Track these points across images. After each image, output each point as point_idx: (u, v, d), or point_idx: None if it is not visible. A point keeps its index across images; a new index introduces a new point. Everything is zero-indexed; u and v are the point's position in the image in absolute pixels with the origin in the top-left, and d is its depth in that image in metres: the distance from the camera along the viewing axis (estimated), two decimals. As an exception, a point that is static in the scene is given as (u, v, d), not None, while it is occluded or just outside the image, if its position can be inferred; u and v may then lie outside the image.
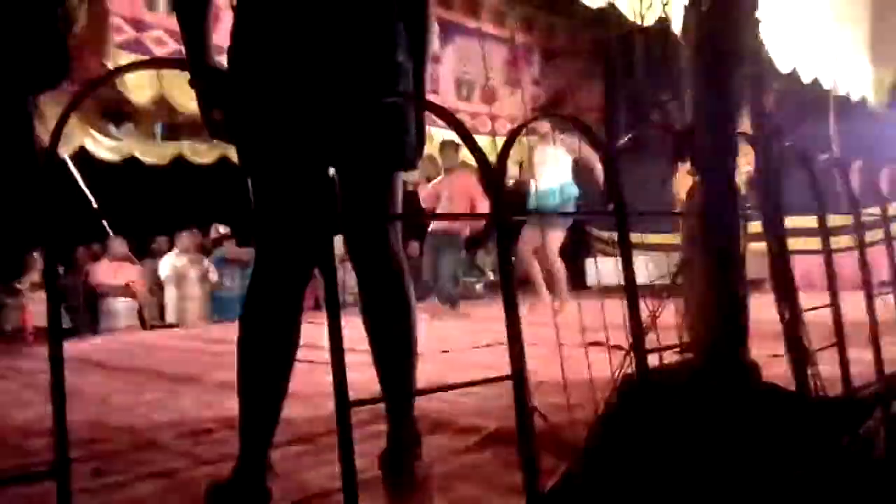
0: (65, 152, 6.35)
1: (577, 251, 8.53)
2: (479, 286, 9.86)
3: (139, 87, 5.36)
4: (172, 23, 5.49)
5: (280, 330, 1.45)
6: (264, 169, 1.45)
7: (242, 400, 1.44)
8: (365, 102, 1.40)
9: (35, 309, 6.22)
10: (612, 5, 3.51)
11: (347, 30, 1.42)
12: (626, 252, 1.05)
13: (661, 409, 1.07)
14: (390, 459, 1.49)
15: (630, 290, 1.03)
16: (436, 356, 3.45)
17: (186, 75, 1.43)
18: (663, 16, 1.69)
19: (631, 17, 2.97)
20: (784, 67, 4.28)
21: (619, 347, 1.16)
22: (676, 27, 1.55)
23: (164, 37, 5.47)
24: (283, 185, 1.43)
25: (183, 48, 1.46)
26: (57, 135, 0.69)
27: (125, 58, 5.19)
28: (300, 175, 1.43)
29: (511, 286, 0.93)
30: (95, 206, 6.43)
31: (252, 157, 1.46)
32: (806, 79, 4.72)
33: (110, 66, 5.07)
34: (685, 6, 1.53)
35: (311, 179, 1.43)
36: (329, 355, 0.80)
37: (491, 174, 1.03)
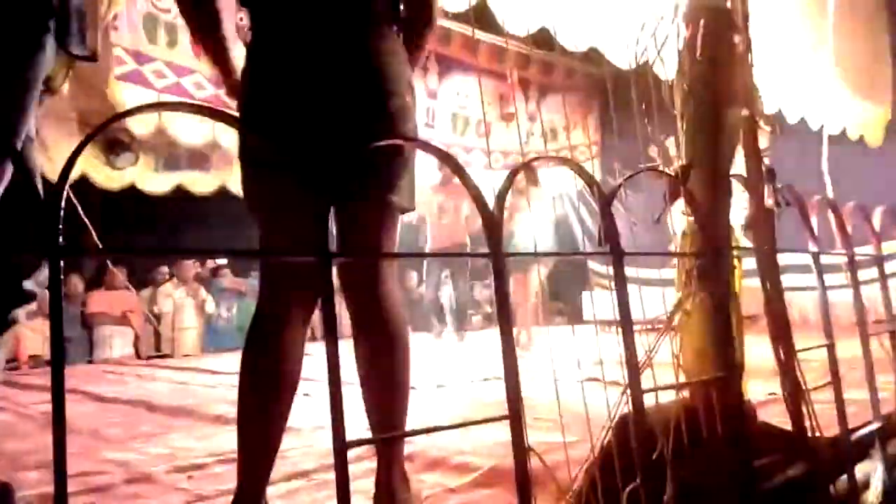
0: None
1: (574, 285, 8.56)
2: (475, 319, 9.84)
3: (140, 120, 5.43)
4: (172, 56, 5.61)
5: (281, 368, 1.46)
6: (269, 208, 1.47)
7: (241, 435, 1.44)
8: (365, 145, 1.43)
9: (30, 338, 6.20)
10: (594, 50, 3.56)
11: (354, 74, 1.46)
12: (621, 291, 1.07)
13: (657, 448, 1.08)
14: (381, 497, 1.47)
15: (626, 330, 1.04)
16: (431, 391, 3.44)
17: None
18: (657, 59, 1.73)
19: (615, 63, 3.02)
20: (770, 108, 4.34)
21: (615, 384, 1.17)
22: (671, 68, 1.58)
23: (164, 69, 5.55)
24: (288, 221, 1.44)
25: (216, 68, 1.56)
26: (67, 171, 0.70)
27: (125, 88, 5.27)
28: (302, 211, 1.45)
29: (508, 324, 0.94)
30: (95, 236, 6.42)
31: (258, 197, 1.49)
32: (792, 119, 4.79)
33: (109, 95, 5.14)
34: (679, 50, 1.56)
35: (312, 215, 1.45)
36: (328, 388, 0.81)
37: (488, 213, 1.04)
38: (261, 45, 1.51)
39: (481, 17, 3.63)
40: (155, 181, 7.42)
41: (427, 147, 1.10)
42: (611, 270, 1.14)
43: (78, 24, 1.42)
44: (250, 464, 1.43)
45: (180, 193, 7.26)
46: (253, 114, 1.47)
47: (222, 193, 7.04)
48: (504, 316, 0.90)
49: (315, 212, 1.32)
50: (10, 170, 1.29)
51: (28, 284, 1.45)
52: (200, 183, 7.48)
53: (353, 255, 1.57)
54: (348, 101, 1.45)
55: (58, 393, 0.64)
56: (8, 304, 1.45)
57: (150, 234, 8.22)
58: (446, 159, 1.10)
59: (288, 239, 1.45)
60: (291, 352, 1.47)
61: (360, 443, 0.78)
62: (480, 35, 6.15)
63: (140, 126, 5.69)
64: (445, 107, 7.74)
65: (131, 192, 7.09)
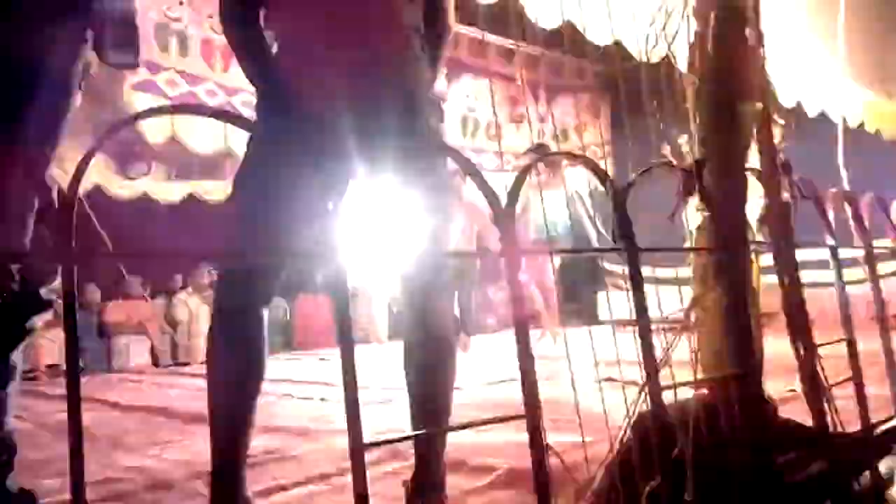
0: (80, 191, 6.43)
1: (588, 285, 8.53)
2: (490, 321, 9.82)
3: (154, 129, 5.48)
4: (184, 65, 5.65)
5: (246, 351, 1.46)
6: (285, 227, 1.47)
7: (211, 416, 1.45)
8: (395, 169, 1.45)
9: (47, 347, 6.25)
10: (618, 43, 3.54)
11: (386, 92, 1.46)
12: (637, 288, 1.06)
13: (677, 446, 1.07)
14: (415, 495, 1.47)
15: (643, 327, 1.03)
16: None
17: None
18: (668, 54, 1.72)
19: (636, 56, 3.00)
20: (788, 101, 4.31)
21: (633, 383, 1.16)
22: (682, 64, 1.57)
23: (177, 78, 5.59)
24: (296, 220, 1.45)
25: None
26: (78, 177, 0.71)
27: (139, 98, 5.32)
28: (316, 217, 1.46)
29: (524, 323, 0.93)
30: (110, 246, 6.46)
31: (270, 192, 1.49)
32: (812, 112, 4.75)
33: (123, 104, 5.19)
34: (690, 43, 1.55)
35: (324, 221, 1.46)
36: (343, 393, 0.80)
37: (501, 212, 1.04)
38: (288, 63, 1.51)
39: (498, 15, 3.64)
40: (168, 190, 7.47)
41: (444, 149, 1.10)
42: (626, 269, 1.13)
43: (123, 31, 1.43)
44: (221, 445, 1.43)
45: (192, 202, 7.30)
46: (276, 130, 1.46)
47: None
48: (519, 313, 0.89)
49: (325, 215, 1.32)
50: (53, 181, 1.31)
51: (44, 293, 1.46)
52: (213, 191, 7.52)
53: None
54: (379, 117, 1.44)
55: (73, 398, 0.65)
56: (25, 313, 1.47)
57: (162, 243, 8.27)
58: (459, 159, 1.10)
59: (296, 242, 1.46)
60: (254, 338, 1.48)
61: (376, 444, 0.78)
62: (489, 37, 6.16)
63: (154, 135, 5.73)
64: (455, 109, 7.74)
65: (144, 201, 7.15)
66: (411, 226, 1.47)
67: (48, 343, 6.13)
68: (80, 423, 0.66)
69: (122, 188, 7.19)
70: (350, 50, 1.45)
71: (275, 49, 1.54)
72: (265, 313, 1.50)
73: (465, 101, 7.79)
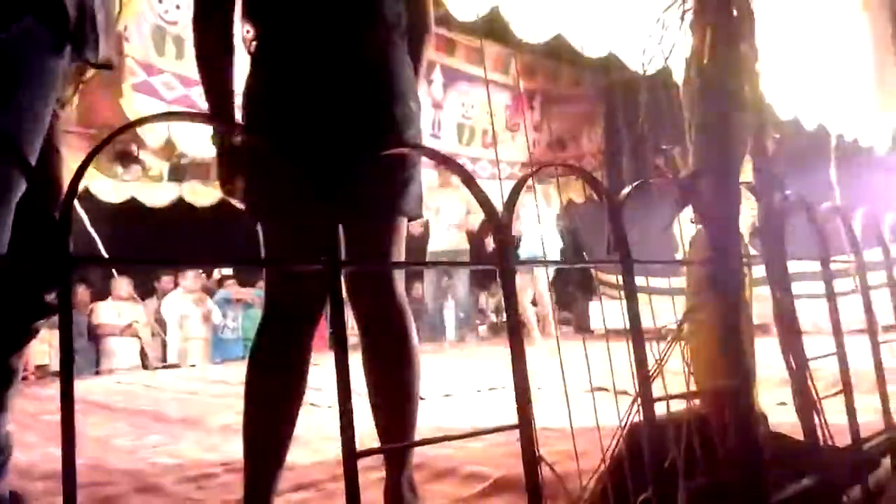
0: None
1: (581, 294, 8.55)
2: (481, 328, 9.83)
3: (151, 131, 5.48)
4: (180, 68, 5.64)
5: (287, 376, 1.46)
6: (275, 215, 1.47)
7: (247, 445, 1.44)
8: (373, 152, 1.43)
9: (36, 348, 6.20)
10: (612, 56, 3.57)
11: (360, 82, 1.46)
12: (632, 301, 1.06)
13: (669, 457, 1.07)
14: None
15: (636, 338, 1.03)
16: (438, 400, 3.43)
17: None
18: (664, 66, 1.73)
19: (632, 68, 3.02)
20: (785, 114, 4.33)
21: (624, 393, 1.16)
22: (678, 76, 1.58)
23: (173, 81, 5.58)
24: (293, 231, 1.44)
25: (205, 101, 1.50)
26: (77, 180, 0.71)
27: (137, 99, 5.31)
28: (311, 219, 1.46)
29: (518, 333, 0.93)
30: (102, 248, 6.43)
31: (263, 204, 1.49)
32: (809, 125, 4.77)
33: (123, 104, 5.19)
34: (686, 57, 1.56)
35: (320, 223, 1.46)
36: (336, 399, 0.80)
37: (497, 221, 1.04)
38: (268, 55, 1.51)
39: (491, 27, 3.66)
40: (158, 193, 7.44)
41: (435, 156, 1.10)
42: (620, 279, 1.13)
43: (92, 31, 1.39)
44: (256, 474, 1.43)
45: (184, 205, 7.28)
46: (261, 122, 1.47)
47: (227, 205, 7.05)
48: (513, 322, 0.90)
49: (324, 220, 1.32)
50: (21, 182, 1.28)
51: (49, 297, 1.45)
52: (203, 195, 7.49)
53: (362, 263, 1.57)
54: (358, 108, 1.45)
55: (67, 401, 0.64)
56: (30, 316, 1.46)
57: (153, 245, 8.25)
58: (454, 167, 1.10)
59: (295, 247, 1.45)
60: (297, 362, 1.48)
61: (369, 452, 0.78)
62: (486, 45, 6.17)
63: (150, 138, 5.73)
64: (451, 117, 7.76)
65: (133, 204, 7.11)
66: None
67: (36, 344, 6.09)
68: (72, 426, 0.65)
69: (114, 190, 7.17)
70: (330, 40, 1.46)
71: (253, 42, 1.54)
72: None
73: (460, 108, 7.80)
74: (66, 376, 0.67)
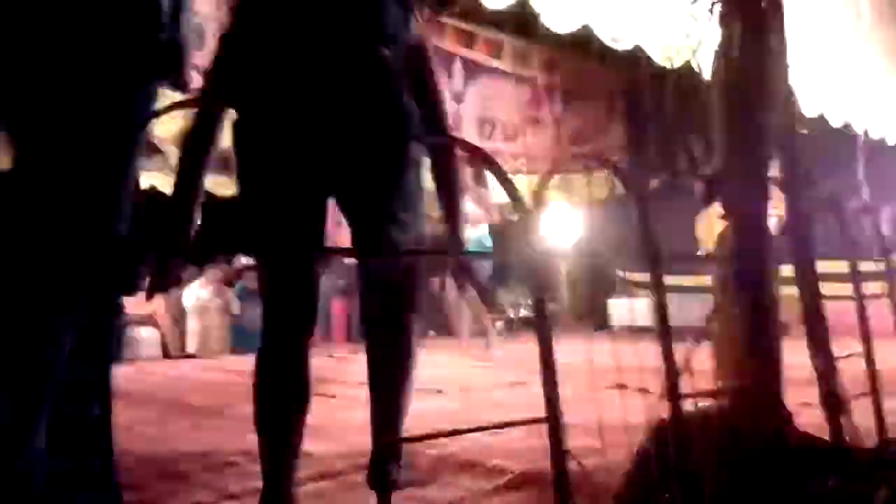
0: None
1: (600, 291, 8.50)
2: (498, 324, 9.79)
3: (166, 122, 5.51)
4: (198, 58, 5.65)
5: (290, 366, 1.48)
6: (268, 202, 1.49)
7: (260, 436, 1.47)
8: (372, 142, 1.46)
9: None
10: (639, 49, 3.54)
11: (354, 65, 1.47)
12: (659, 298, 1.06)
13: (695, 455, 1.06)
14: (373, 475, 1.48)
15: (664, 336, 1.03)
16: (457, 395, 3.43)
17: None
18: (691, 60, 1.71)
19: (659, 61, 2.99)
20: (811, 112, 4.28)
21: (645, 391, 1.16)
22: (705, 72, 1.57)
23: (192, 72, 5.61)
24: (287, 217, 1.49)
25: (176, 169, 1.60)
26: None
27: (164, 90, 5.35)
28: (302, 206, 1.50)
29: (546, 326, 0.93)
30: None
31: (255, 190, 1.50)
32: (836, 123, 4.71)
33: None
34: (715, 51, 1.54)
35: (309, 211, 1.50)
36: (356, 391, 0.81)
37: (526, 213, 1.04)
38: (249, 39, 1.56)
39: (516, 19, 3.66)
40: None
41: (465, 145, 1.10)
42: (641, 276, 1.13)
43: (180, 56, 1.44)
44: (271, 464, 1.46)
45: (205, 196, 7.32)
46: (257, 116, 1.49)
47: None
48: (541, 314, 0.90)
49: (313, 209, 1.35)
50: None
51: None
52: (223, 186, 7.51)
53: (363, 253, 1.60)
54: (360, 100, 1.46)
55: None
56: (119, 289, 1.49)
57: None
58: (484, 157, 1.10)
59: (286, 237, 1.49)
60: (299, 364, 1.52)
61: (398, 441, 0.78)
62: (507, 39, 6.14)
63: (166, 129, 5.76)
64: (471, 111, 7.73)
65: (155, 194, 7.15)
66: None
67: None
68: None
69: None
70: (322, 32, 1.48)
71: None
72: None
73: (481, 102, 7.77)
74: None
